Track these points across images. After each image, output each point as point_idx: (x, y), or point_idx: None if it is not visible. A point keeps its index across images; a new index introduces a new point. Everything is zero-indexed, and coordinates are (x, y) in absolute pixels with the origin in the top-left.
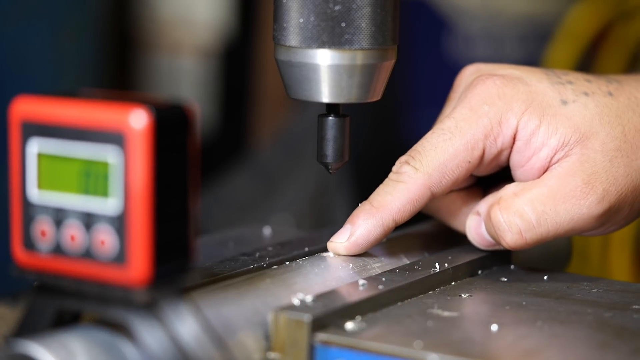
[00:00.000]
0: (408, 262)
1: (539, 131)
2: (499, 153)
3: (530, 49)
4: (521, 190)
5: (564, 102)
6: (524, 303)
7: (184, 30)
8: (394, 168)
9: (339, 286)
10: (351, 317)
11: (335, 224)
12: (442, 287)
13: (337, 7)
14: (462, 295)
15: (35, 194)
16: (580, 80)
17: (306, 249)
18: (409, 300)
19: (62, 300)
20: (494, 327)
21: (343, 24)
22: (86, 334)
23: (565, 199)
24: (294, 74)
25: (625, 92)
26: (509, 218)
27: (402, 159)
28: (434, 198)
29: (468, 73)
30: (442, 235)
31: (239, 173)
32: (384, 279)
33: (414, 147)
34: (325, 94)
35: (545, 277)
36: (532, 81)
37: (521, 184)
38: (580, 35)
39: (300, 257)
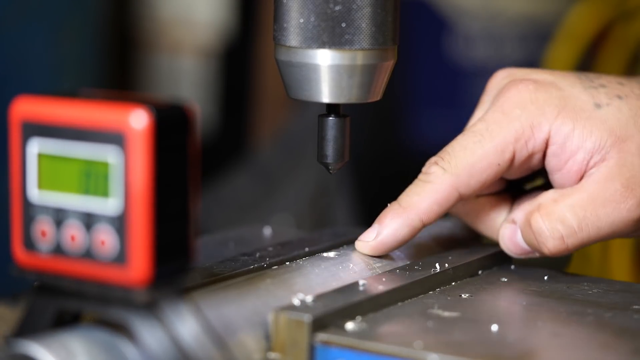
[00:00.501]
0: (408, 262)
1: (573, 134)
2: (530, 156)
3: (530, 49)
4: (560, 197)
5: (598, 106)
6: (524, 303)
7: (184, 30)
8: (424, 169)
9: (339, 286)
10: (351, 317)
11: (336, 224)
12: (442, 287)
13: (337, 7)
14: (463, 295)
15: (35, 194)
16: (613, 83)
17: (306, 249)
18: (409, 300)
19: (62, 300)
20: (494, 327)
21: (343, 24)
22: (86, 334)
23: (606, 203)
24: (294, 74)
25: None
26: (550, 224)
27: (432, 159)
28: (462, 200)
29: (500, 77)
30: (443, 236)
31: (239, 173)
32: (384, 279)
33: (444, 149)
34: (326, 94)
35: (546, 277)
36: (565, 86)
37: (560, 190)
38: (580, 35)
39: (300, 257)
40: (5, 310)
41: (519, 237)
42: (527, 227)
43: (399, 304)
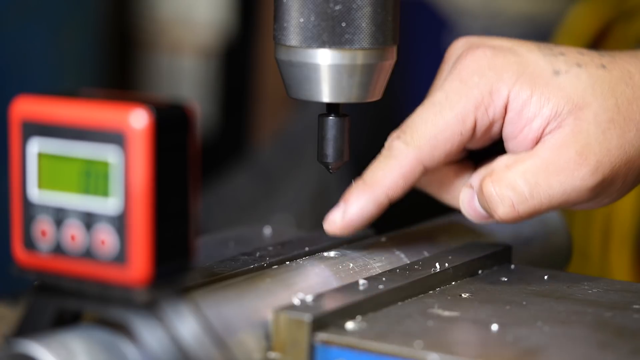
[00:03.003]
0: (408, 262)
1: (530, 101)
2: (491, 124)
3: None
4: (513, 162)
5: (556, 73)
6: (524, 303)
7: (184, 30)
8: (386, 144)
9: (339, 286)
10: (351, 317)
11: None
12: (442, 287)
13: (337, 7)
14: (463, 295)
15: (35, 193)
16: (573, 52)
17: (306, 248)
18: (409, 300)
19: (62, 300)
20: (494, 327)
21: (343, 24)
22: (86, 333)
23: (559, 170)
24: (294, 74)
25: (618, 65)
26: (501, 191)
27: (393, 134)
28: (427, 172)
29: (458, 45)
30: (443, 235)
31: (239, 173)
32: (384, 278)
33: (404, 122)
34: (326, 94)
35: (546, 277)
36: (523, 52)
37: (513, 155)
38: (580, 35)
39: (300, 257)
40: (5, 310)
41: (477, 203)
42: (480, 192)
43: (399, 303)
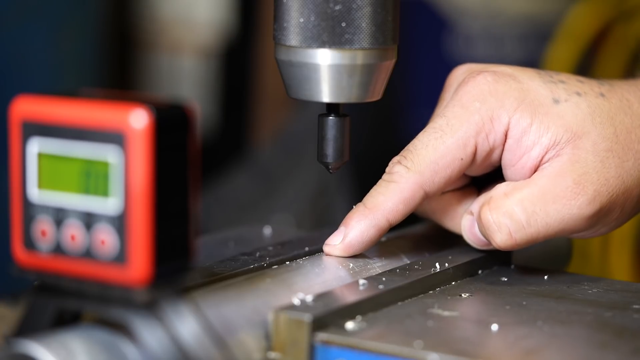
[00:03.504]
0: (408, 262)
1: (530, 129)
2: (492, 151)
3: (530, 49)
4: (511, 190)
5: (556, 101)
6: (524, 303)
7: (184, 30)
8: (387, 169)
9: (339, 286)
10: (351, 317)
11: (336, 224)
12: (442, 287)
13: (337, 7)
14: (463, 295)
15: (35, 193)
16: (573, 80)
17: (306, 248)
18: (409, 300)
19: (62, 300)
20: (494, 327)
21: (343, 24)
22: (86, 333)
23: (556, 199)
24: (294, 74)
25: (617, 93)
26: (498, 218)
27: (395, 159)
28: (427, 198)
29: (460, 72)
30: (442, 235)
31: (239, 173)
32: (384, 278)
33: (406, 148)
34: (326, 94)
35: (546, 277)
36: (524, 79)
37: (512, 183)
38: (580, 35)
39: (300, 257)
40: (5, 310)
41: (477, 229)
42: (479, 220)
43: (399, 303)
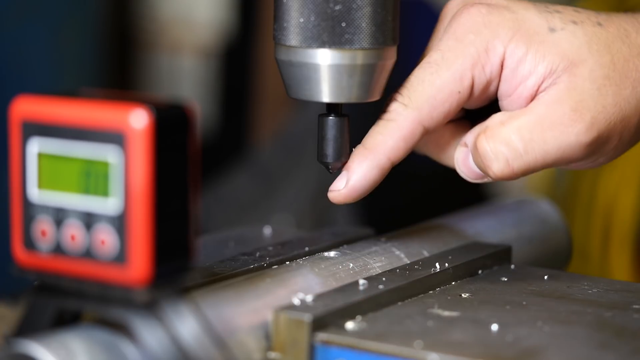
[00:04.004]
0: (408, 262)
1: (526, 58)
2: (489, 82)
3: None
4: (508, 119)
5: (552, 30)
6: (524, 303)
7: (184, 30)
8: (385, 108)
9: (339, 286)
10: (351, 317)
11: (336, 224)
12: (442, 287)
13: (337, 7)
14: (463, 295)
15: (35, 193)
16: (569, 10)
17: (306, 248)
18: (409, 300)
19: (62, 300)
20: (494, 327)
21: (343, 24)
22: (86, 333)
23: (553, 126)
24: (294, 74)
25: (615, 23)
26: (495, 146)
27: (392, 97)
28: (427, 133)
29: (453, 4)
30: (442, 235)
31: (239, 173)
32: (384, 278)
33: (402, 84)
34: (326, 94)
35: (546, 277)
36: (519, 9)
37: (508, 112)
38: None
39: (300, 257)
40: (5, 310)
41: (471, 161)
42: (475, 149)
43: (399, 303)
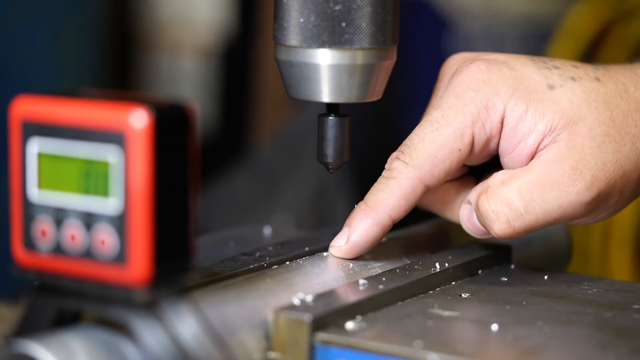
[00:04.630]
0: (408, 262)
1: (526, 116)
2: (489, 140)
3: (530, 49)
4: (508, 179)
5: (551, 87)
6: (524, 303)
7: (184, 30)
8: (386, 165)
9: (339, 286)
10: (351, 317)
11: (336, 224)
12: (442, 287)
13: (337, 7)
14: (463, 295)
15: (35, 193)
16: (567, 65)
17: (306, 248)
18: (409, 300)
19: (62, 300)
20: (494, 327)
21: (343, 24)
22: (86, 333)
23: (553, 186)
24: (294, 74)
25: (613, 78)
26: (496, 207)
27: (393, 155)
28: (428, 191)
29: (453, 62)
30: (442, 235)
31: (239, 173)
32: (384, 278)
33: (403, 143)
34: (326, 94)
35: (546, 277)
36: (518, 66)
37: (509, 171)
38: (580, 35)
39: (300, 256)
40: (5, 310)
41: (475, 219)
42: (477, 209)
43: (399, 303)
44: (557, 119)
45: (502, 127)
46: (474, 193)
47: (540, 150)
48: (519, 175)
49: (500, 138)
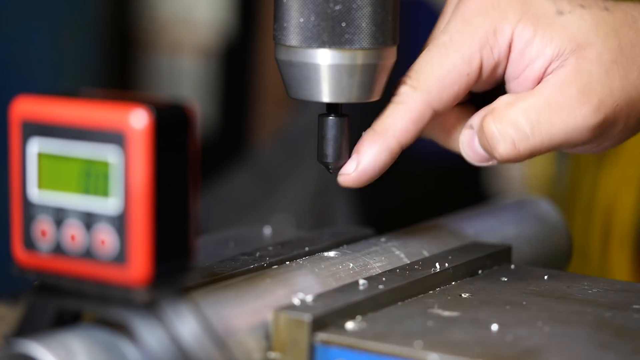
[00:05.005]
0: (408, 262)
1: (534, 41)
2: (497, 64)
3: None
4: (515, 100)
5: (560, 13)
6: (524, 303)
7: (184, 30)
8: (394, 91)
9: (339, 286)
10: (351, 317)
11: (336, 224)
12: (442, 287)
13: (337, 7)
14: (463, 295)
15: (35, 193)
16: None
17: (306, 248)
18: (409, 300)
19: (62, 300)
20: (494, 327)
21: (343, 24)
22: (86, 333)
23: (560, 108)
24: (294, 74)
25: (622, 9)
26: (502, 128)
27: (401, 80)
28: (436, 116)
29: None
30: (442, 235)
31: (239, 173)
32: (384, 278)
33: (411, 67)
34: (326, 94)
35: (546, 277)
36: None
37: (515, 94)
38: None
39: (300, 257)
40: (5, 310)
41: (477, 143)
42: (481, 131)
43: (399, 303)
44: (565, 44)
45: (509, 51)
46: (476, 117)
47: (548, 74)
48: (525, 97)
49: (507, 63)
